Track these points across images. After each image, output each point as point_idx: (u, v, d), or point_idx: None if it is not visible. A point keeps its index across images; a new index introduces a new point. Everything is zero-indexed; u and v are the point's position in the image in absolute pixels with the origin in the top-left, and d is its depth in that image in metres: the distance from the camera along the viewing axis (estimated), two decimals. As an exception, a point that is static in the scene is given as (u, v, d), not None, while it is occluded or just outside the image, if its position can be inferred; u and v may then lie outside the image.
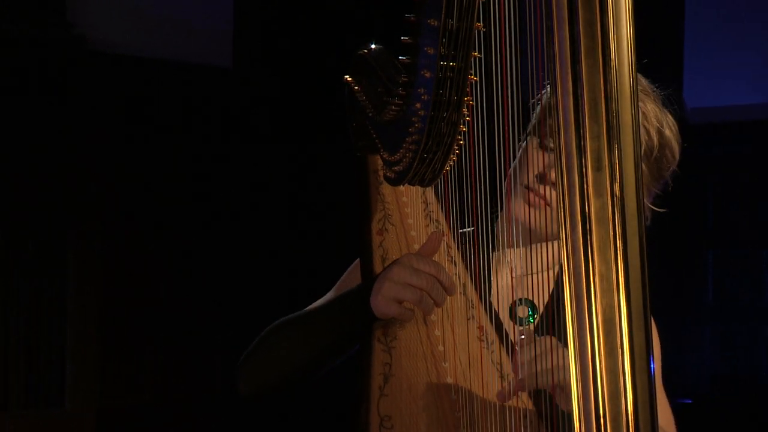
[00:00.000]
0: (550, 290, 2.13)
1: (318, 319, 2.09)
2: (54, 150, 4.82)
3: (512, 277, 2.14)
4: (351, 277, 2.22)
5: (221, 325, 5.17)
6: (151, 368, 5.07)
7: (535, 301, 2.12)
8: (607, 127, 1.37)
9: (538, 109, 2.17)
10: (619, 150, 1.37)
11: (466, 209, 1.99)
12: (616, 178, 1.37)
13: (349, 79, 2.12)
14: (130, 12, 5.07)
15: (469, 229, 2.06)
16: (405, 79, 1.84)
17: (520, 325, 2.09)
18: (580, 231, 1.38)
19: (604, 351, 1.36)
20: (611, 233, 1.37)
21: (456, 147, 1.85)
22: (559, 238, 2.10)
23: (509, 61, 1.79)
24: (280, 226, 5.33)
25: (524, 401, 1.91)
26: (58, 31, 4.82)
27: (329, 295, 2.24)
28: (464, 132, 1.84)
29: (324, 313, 2.09)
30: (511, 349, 1.99)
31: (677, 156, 2.19)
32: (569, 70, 1.39)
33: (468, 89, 1.79)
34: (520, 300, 2.12)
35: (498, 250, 2.17)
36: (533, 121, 2.15)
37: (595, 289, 1.36)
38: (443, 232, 2.12)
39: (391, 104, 1.89)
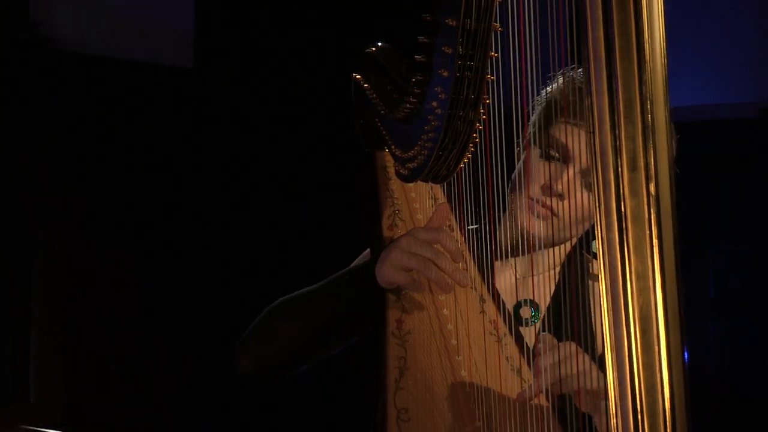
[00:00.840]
0: (552, 290, 2.12)
1: (323, 292, 2.07)
2: (19, 148, 4.75)
3: (516, 278, 2.14)
4: None
5: (187, 322, 5.13)
6: (117, 364, 5.01)
7: (538, 302, 2.11)
8: (642, 127, 1.37)
9: (534, 117, 2.15)
10: (654, 150, 1.37)
11: (473, 206, 1.98)
12: (651, 178, 1.37)
13: (358, 76, 2.10)
14: (93, 11, 5.01)
15: (473, 226, 2.05)
16: (420, 78, 1.82)
17: (524, 325, 2.09)
18: (616, 230, 1.37)
19: (641, 348, 1.35)
20: (647, 232, 1.36)
21: (471, 145, 1.83)
22: (560, 243, 2.12)
23: (527, 60, 1.77)
24: (247, 224, 5.29)
25: (539, 398, 1.90)
26: (20, 30, 4.75)
27: None
28: (479, 130, 1.82)
29: (329, 287, 2.07)
30: (522, 342, 1.99)
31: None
32: (604, 71, 1.38)
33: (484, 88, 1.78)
34: (524, 301, 2.11)
35: (500, 257, 2.16)
36: (531, 129, 2.13)
37: (632, 288, 1.36)
38: (451, 214, 2.10)
39: (405, 102, 1.87)
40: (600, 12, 1.38)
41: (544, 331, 2.05)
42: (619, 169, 1.37)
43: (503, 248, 2.15)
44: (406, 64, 2.02)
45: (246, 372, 2.10)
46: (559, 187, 2.05)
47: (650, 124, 1.37)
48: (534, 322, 2.09)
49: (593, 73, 1.39)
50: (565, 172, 2.05)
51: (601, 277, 1.38)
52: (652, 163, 1.37)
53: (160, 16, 5.17)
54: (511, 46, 1.77)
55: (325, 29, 5.22)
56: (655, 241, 1.36)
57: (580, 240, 2.14)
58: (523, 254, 2.14)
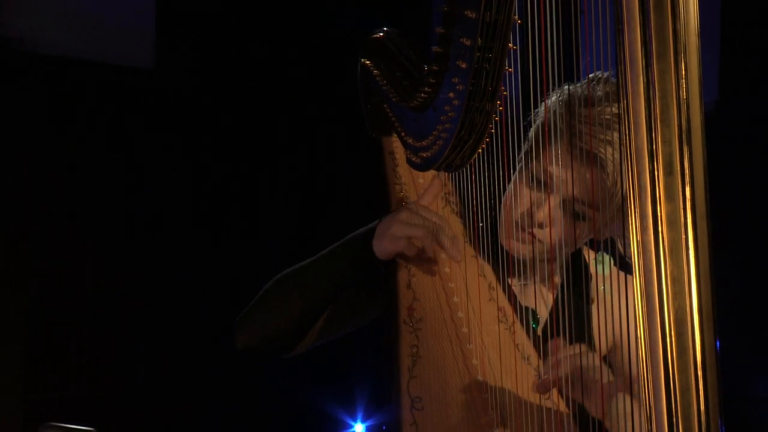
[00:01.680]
0: (553, 298, 2.10)
1: (317, 266, 2.05)
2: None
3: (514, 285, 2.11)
4: None
5: (148, 319, 5.06)
6: (77, 362, 4.95)
7: (537, 309, 2.09)
8: (679, 131, 1.34)
9: (526, 141, 2.08)
10: (690, 154, 1.35)
11: (482, 196, 1.96)
12: (687, 182, 1.34)
13: (368, 62, 2.06)
14: (54, 12, 4.90)
15: (482, 223, 2.03)
16: (435, 68, 1.79)
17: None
18: (652, 234, 1.35)
19: (676, 351, 1.34)
20: (683, 236, 1.34)
21: (486, 136, 1.80)
22: (555, 259, 2.08)
23: (547, 54, 1.74)
24: (209, 222, 5.21)
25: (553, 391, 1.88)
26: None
27: None
28: (496, 121, 1.79)
29: (325, 258, 2.05)
30: (531, 331, 1.97)
31: None
32: (641, 75, 1.36)
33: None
34: (522, 309, 2.09)
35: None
36: (524, 151, 2.07)
37: (668, 291, 1.34)
38: (454, 201, 2.08)
39: (419, 91, 1.84)
40: (637, 14, 1.35)
41: (545, 337, 2.03)
42: (656, 173, 1.34)
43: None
44: (416, 51, 1.99)
45: (244, 347, 2.08)
46: (540, 216, 2.01)
47: (686, 128, 1.34)
48: (533, 329, 2.07)
49: (629, 76, 1.36)
50: (548, 201, 2.01)
51: (636, 280, 1.35)
52: (688, 167, 1.34)
53: (121, 17, 5.07)
54: (530, 38, 1.74)
55: (285, 29, 5.15)
56: (691, 245, 1.34)
57: (577, 251, 2.11)
58: (515, 276, 2.10)
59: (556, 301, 2.08)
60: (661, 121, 1.34)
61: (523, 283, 2.11)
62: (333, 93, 4.74)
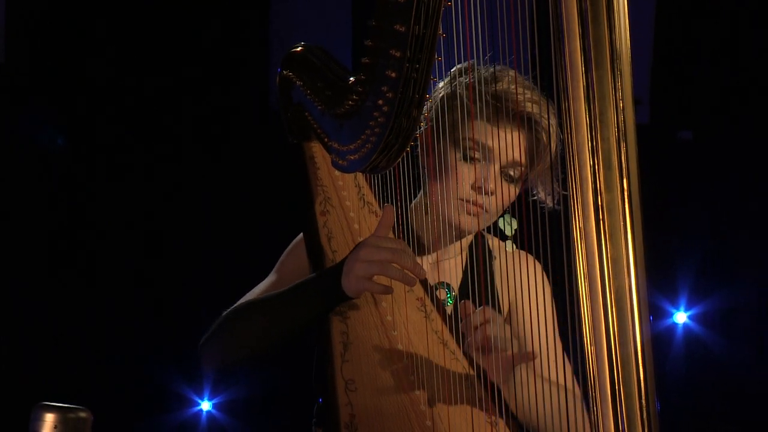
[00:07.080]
0: (462, 272, 2.13)
1: (287, 301, 1.97)
2: None
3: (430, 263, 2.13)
4: (293, 257, 2.13)
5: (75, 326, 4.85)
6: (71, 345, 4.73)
7: (450, 282, 2.12)
8: (616, 130, 1.40)
9: (445, 118, 2.05)
10: (626, 150, 1.40)
11: (392, 192, 1.98)
12: (624, 175, 1.40)
13: (290, 73, 2.05)
14: None
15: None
16: (363, 78, 1.80)
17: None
18: (593, 221, 1.40)
19: (617, 326, 1.39)
20: (621, 223, 1.39)
21: (411, 140, 1.82)
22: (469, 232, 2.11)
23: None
24: (57, 226, 5.01)
25: (466, 366, 1.92)
26: None
27: (272, 278, 2.13)
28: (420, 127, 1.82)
29: (293, 296, 1.96)
30: (446, 316, 2.00)
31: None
32: (581, 80, 1.41)
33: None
34: (438, 284, 2.11)
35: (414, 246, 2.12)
36: (448, 133, 2.08)
37: (609, 272, 1.39)
38: (370, 202, 2.09)
39: (347, 99, 1.85)
40: (576, 26, 1.40)
41: (456, 310, 2.05)
42: (596, 167, 1.40)
43: (416, 233, 2.13)
44: (338, 62, 2.00)
45: (209, 372, 2.03)
46: (491, 186, 2.02)
47: (623, 127, 1.40)
48: (449, 302, 2.10)
49: (570, 81, 1.41)
50: (491, 170, 2.02)
51: (579, 262, 1.40)
52: (624, 161, 1.40)
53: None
54: (456, 49, 1.78)
55: (136, 24, 5.01)
56: (629, 230, 1.39)
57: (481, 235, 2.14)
58: (446, 245, 2.13)
59: (464, 273, 2.11)
60: (600, 121, 1.40)
61: (437, 260, 2.13)
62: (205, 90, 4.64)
